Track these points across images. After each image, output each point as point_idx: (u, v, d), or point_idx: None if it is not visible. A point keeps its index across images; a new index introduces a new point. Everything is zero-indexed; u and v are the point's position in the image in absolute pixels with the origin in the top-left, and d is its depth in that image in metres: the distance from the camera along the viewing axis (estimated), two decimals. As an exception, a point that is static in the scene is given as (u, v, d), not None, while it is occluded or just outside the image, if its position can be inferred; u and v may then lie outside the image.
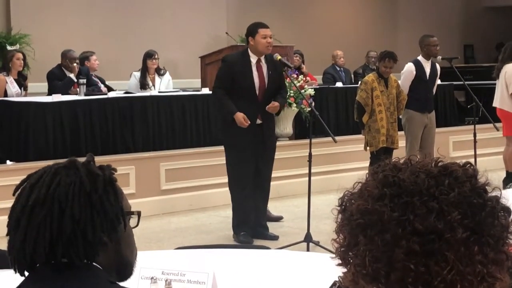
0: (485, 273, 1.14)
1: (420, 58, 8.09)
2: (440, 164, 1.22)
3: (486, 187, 1.20)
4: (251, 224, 6.52)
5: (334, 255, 1.24)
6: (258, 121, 6.38)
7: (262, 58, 6.40)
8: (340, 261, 1.22)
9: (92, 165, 1.65)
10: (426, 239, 1.13)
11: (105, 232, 1.60)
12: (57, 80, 8.71)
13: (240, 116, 6.24)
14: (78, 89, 8.36)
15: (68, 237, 1.56)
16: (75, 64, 8.73)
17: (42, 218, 1.56)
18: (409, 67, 8.06)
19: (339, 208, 1.24)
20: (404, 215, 1.15)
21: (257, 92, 6.35)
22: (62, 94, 8.05)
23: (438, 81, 8.43)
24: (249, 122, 6.26)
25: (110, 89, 9.07)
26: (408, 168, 1.21)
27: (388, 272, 1.14)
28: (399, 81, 7.92)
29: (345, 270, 1.22)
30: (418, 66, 8.03)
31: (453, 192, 1.16)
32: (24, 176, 1.66)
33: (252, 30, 6.38)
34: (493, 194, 1.20)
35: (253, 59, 6.38)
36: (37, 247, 1.56)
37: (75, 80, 8.59)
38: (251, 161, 6.37)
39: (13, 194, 1.64)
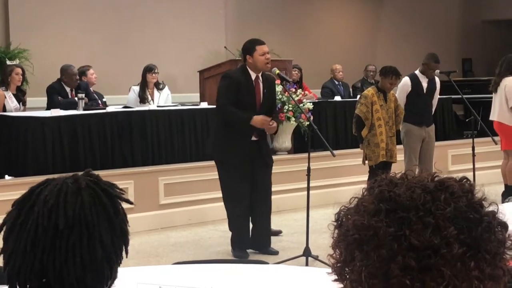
0: (482, 289, 1.14)
1: (417, 72, 8.09)
2: (436, 179, 1.22)
3: (483, 202, 1.20)
4: (248, 240, 6.50)
5: (331, 271, 1.24)
6: (254, 138, 6.36)
7: (260, 75, 6.39)
8: (336, 277, 1.22)
9: (110, 186, 1.64)
10: (422, 255, 1.12)
11: (119, 259, 1.60)
12: (56, 95, 8.70)
13: (259, 118, 6.21)
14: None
15: (100, 262, 1.54)
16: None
17: (72, 243, 1.53)
18: (405, 80, 8.06)
19: (335, 223, 1.24)
20: (400, 230, 1.14)
21: (257, 108, 6.34)
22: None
23: (438, 96, 8.43)
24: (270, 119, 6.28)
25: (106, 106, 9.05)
26: (404, 183, 1.20)
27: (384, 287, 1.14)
28: (396, 95, 7.94)
29: (341, 286, 1.21)
30: (414, 80, 8.03)
31: (449, 207, 1.16)
32: (24, 191, 1.61)
33: (250, 48, 6.31)
34: (490, 209, 1.20)
35: (253, 76, 6.37)
36: (68, 272, 1.52)
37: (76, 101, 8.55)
38: (245, 178, 6.31)
39: (16, 208, 1.58)
